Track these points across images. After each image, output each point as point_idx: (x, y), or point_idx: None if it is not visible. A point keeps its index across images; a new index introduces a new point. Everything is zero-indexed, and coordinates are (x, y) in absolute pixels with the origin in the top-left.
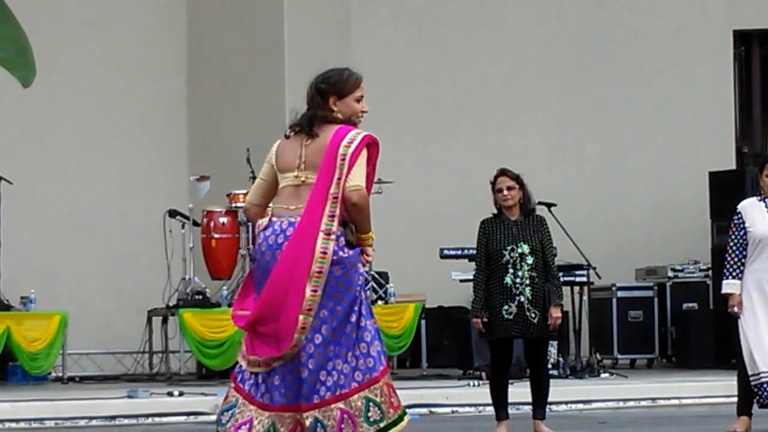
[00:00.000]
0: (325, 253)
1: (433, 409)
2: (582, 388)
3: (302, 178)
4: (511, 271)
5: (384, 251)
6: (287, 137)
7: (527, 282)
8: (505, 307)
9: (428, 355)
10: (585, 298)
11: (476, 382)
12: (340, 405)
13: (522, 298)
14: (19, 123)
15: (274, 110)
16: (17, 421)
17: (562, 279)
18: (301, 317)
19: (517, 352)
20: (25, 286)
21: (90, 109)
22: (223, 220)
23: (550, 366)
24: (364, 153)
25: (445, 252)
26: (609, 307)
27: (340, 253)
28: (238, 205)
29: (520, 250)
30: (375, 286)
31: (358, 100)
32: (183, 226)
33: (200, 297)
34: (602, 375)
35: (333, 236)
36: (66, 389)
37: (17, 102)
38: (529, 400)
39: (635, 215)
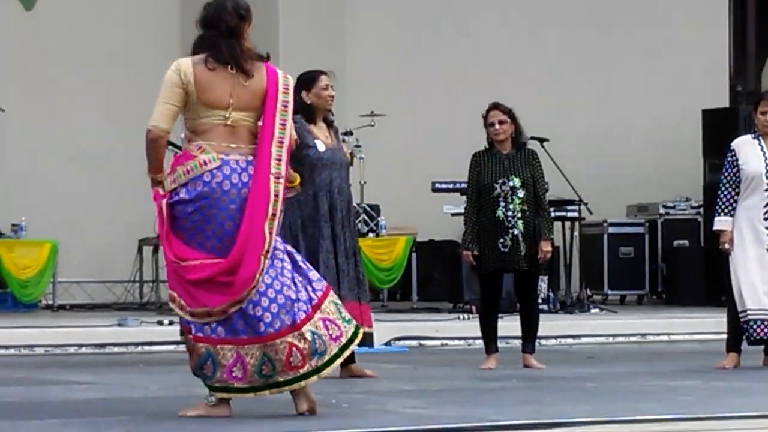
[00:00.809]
0: (277, 195)
1: (422, 342)
2: (571, 323)
3: (236, 119)
4: (503, 204)
5: (376, 184)
6: (210, 69)
7: (519, 215)
8: (501, 240)
9: (419, 288)
10: (576, 233)
11: (466, 316)
12: (285, 338)
13: (516, 231)
14: (11, 50)
15: (266, 42)
16: (7, 347)
17: (553, 214)
18: (262, 258)
19: (507, 286)
20: (17, 213)
21: (85, 39)
22: None
23: (540, 301)
24: None
25: (437, 185)
26: (600, 243)
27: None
28: None
29: (511, 183)
30: (366, 218)
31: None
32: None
33: None
34: (592, 310)
35: (281, 179)
36: (56, 317)
37: (8, 29)
38: (518, 334)
39: (628, 152)
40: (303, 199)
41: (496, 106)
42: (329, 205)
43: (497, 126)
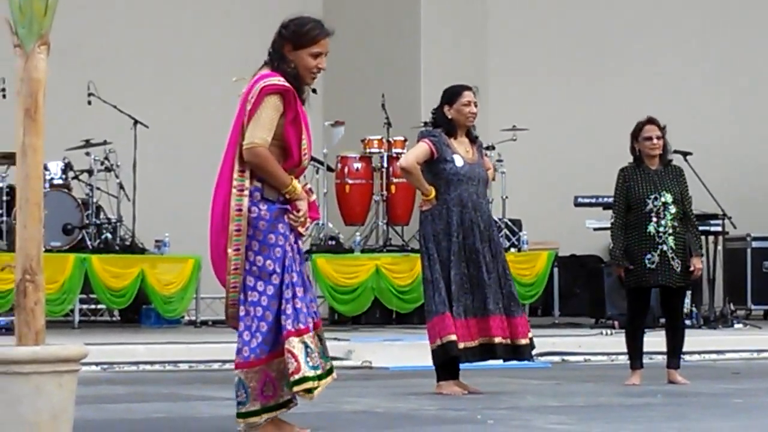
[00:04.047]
0: (240, 210)
1: (565, 357)
2: (715, 339)
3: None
4: (654, 219)
5: (518, 198)
6: None
7: (670, 231)
8: (648, 256)
9: (560, 303)
10: (719, 248)
11: (609, 331)
12: (264, 368)
13: (665, 247)
14: (155, 66)
15: (408, 56)
16: (152, 363)
17: None
18: (229, 277)
19: (651, 302)
20: (160, 229)
21: (224, 52)
22: (357, 165)
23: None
24: (269, 105)
25: (579, 200)
26: (743, 257)
27: (253, 209)
28: (373, 150)
29: (663, 199)
30: (508, 233)
31: (315, 56)
32: (317, 171)
33: (333, 242)
34: (736, 325)
35: (245, 192)
36: (199, 333)
37: (151, 45)
38: (661, 349)
39: None
40: (437, 212)
41: (651, 121)
42: (463, 219)
43: (654, 141)
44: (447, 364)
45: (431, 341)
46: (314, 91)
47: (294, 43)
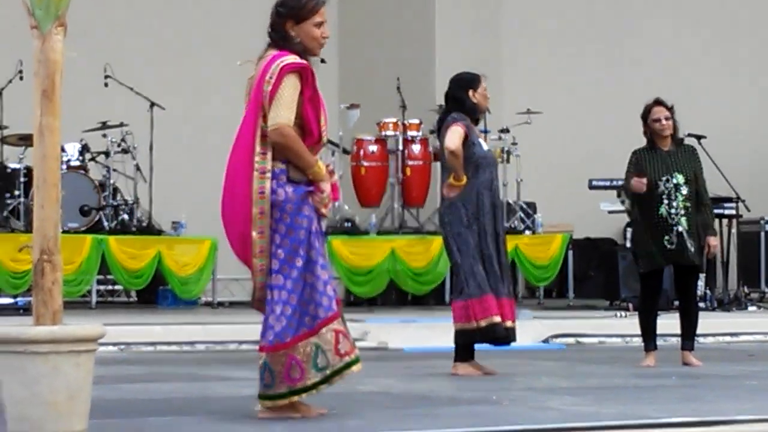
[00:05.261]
0: (263, 192)
1: (580, 339)
2: (729, 321)
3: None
4: (666, 201)
5: (532, 181)
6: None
7: (682, 212)
8: (667, 237)
9: (575, 285)
10: (733, 230)
11: (623, 314)
12: (289, 351)
13: (680, 228)
14: (171, 49)
15: (424, 39)
16: (169, 343)
17: None
18: (255, 261)
19: (664, 284)
20: (177, 211)
21: (241, 34)
22: (373, 148)
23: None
24: (289, 84)
25: (594, 183)
26: (757, 240)
27: (279, 191)
28: (388, 133)
29: (675, 181)
30: (523, 216)
31: (318, 26)
32: (333, 154)
33: (349, 224)
34: (749, 308)
35: (268, 174)
36: (215, 314)
37: (168, 27)
38: (675, 332)
39: None
40: (467, 196)
41: (659, 102)
42: (492, 203)
43: (663, 122)
44: (466, 345)
45: (463, 321)
46: (323, 60)
47: (296, 18)
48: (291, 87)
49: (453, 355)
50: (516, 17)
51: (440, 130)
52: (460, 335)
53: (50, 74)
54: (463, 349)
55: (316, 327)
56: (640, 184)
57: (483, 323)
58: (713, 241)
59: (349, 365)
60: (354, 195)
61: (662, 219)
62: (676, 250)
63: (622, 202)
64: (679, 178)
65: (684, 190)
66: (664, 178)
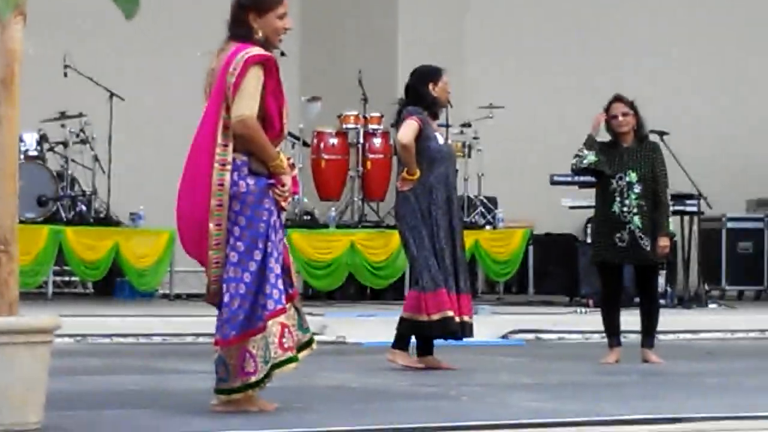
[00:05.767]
0: (221, 184)
1: (539, 335)
2: (690, 318)
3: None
4: (618, 199)
5: (493, 176)
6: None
7: (635, 210)
8: (618, 234)
9: (535, 281)
10: (695, 228)
11: (583, 310)
12: (243, 344)
13: (632, 227)
14: (132, 39)
15: (386, 32)
16: (125, 335)
17: (672, 208)
18: (210, 253)
19: (626, 281)
20: (135, 202)
21: (202, 26)
22: (333, 141)
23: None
24: (253, 76)
25: (555, 178)
26: (718, 238)
27: (241, 183)
28: (349, 126)
29: (627, 179)
30: (483, 211)
31: (281, 17)
32: (293, 146)
33: (308, 217)
34: (710, 306)
35: (228, 166)
36: (173, 306)
37: (123, 18)
38: (636, 328)
39: (747, 146)
40: (420, 190)
41: (618, 98)
42: (446, 197)
43: (620, 118)
44: (408, 337)
45: (413, 311)
46: (282, 53)
47: (258, 10)
48: (255, 78)
49: (401, 345)
50: (479, 11)
51: (398, 123)
52: (406, 326)
53: (9, 63)
54: (402, 339)
55: (265, 318)
56: (599, 117)
57: (436, 317)
58: (662, 241)
59: (290, 360)
60: (314, 188)
61: (615, 216)
62: (628, 248)
63: (581, 161)
64: (632, 176)
65: (637, 189)
66: (617, 176)
